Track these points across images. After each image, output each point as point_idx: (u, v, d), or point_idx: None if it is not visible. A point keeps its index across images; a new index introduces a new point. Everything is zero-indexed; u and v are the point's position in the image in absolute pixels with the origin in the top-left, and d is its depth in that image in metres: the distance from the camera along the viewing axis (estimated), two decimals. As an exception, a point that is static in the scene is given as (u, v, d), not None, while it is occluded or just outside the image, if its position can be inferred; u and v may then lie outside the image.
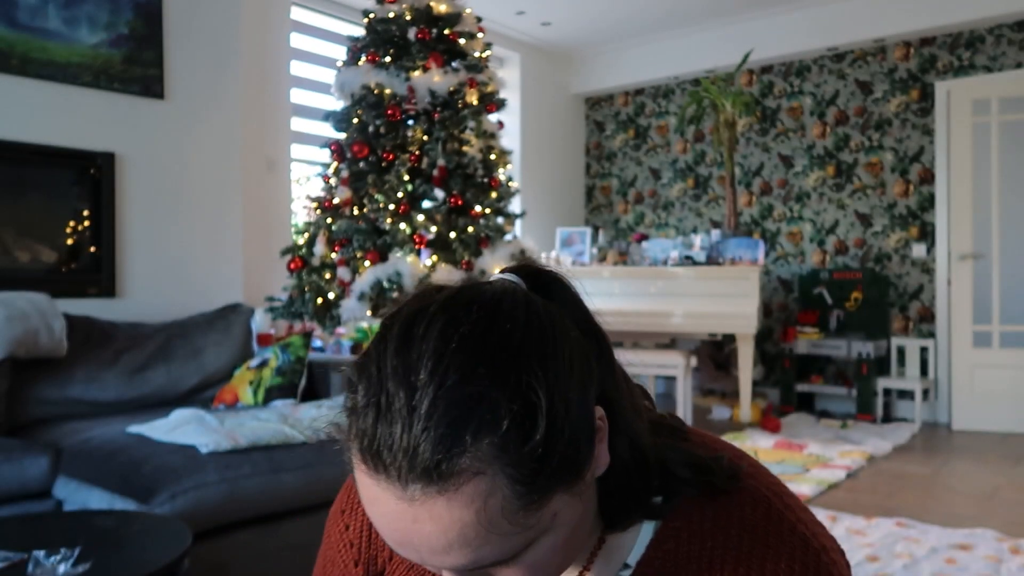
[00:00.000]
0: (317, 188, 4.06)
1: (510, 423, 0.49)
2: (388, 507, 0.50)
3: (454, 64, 3.94)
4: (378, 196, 3.72)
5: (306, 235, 3.94)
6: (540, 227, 6.18)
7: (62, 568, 1.37)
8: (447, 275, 3.62)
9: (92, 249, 3.25)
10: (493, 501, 0.49)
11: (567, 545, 0.56)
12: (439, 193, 3.80)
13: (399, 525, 0.50)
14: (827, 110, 5.73)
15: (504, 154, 4.09)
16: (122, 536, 1.61)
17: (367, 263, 3.66)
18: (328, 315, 3.75)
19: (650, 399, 0.70)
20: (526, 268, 0.61)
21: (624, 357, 0.66)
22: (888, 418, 5.32)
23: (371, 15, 3.98)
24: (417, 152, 3.85)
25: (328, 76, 4.65)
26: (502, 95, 4.12)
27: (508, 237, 3.97)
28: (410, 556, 0.53)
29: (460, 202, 3.78)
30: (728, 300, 4.68)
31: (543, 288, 0.59)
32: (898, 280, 5.43)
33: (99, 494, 2.07)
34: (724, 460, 0.64)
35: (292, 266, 3.86)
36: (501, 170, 4.06)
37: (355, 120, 3.88)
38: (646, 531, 0.64)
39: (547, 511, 0.52)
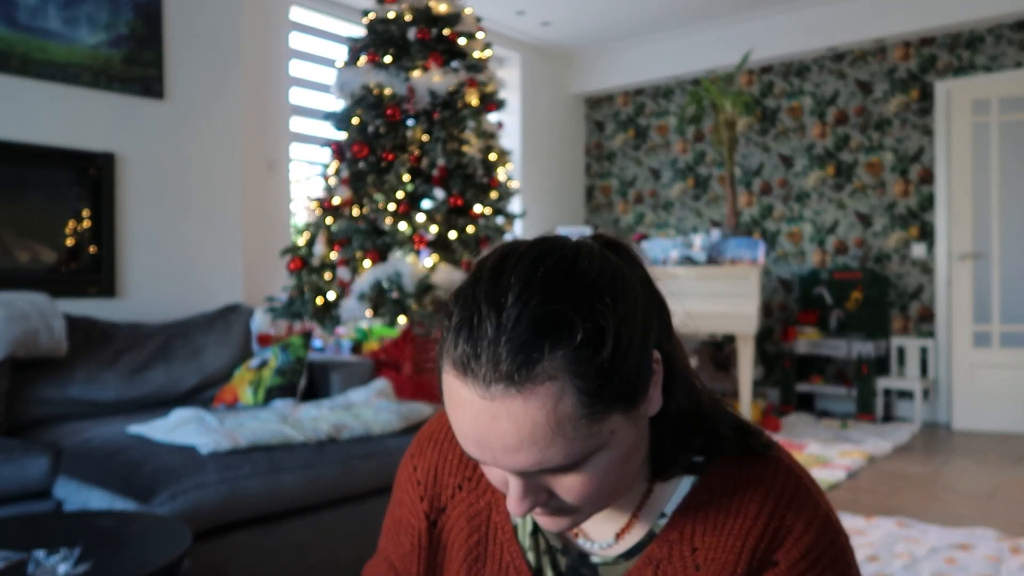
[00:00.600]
0: (317, 188, 4.06)
1: (582, 339, 0.56)
2: (472, 407, 0.58)
3: (454, 64, 3.94)
4: (378, 196, 3.72)
5: (306, 235, 3.94)
6: (540, 227, 6.18)
7: (62, 568, 1.37)
8: (447, 275, 3.62)
9: (92, 249, 3.25)
10: (562, 406, 0.56)
11: (621, 469, 0.62)
12: (439, 193, 3.80)
13: (480, 423, 0.58)
14: (827, 110, 5.73)
15: (504, 154, 4.09)
16: (122, 536, 1.61)
17: (367, 263, 3.66)
18: (328, 315, 3.75)
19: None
20: (600, 235, 0.70)
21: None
22: (888, 418, 5.32)
23: (371, 15, 3.98)
24: (417, 152, 3.85)
25: (328, 76, 4.65)
26: (502, 95, 4.12)
27: (508, 237, 3.97)
28: (485, 457, 0.59)
29: (460, 202, 3.78)
30: (728, 300, 4.68)
31: (614, 250, 0.67)
32: (898, 280, 5.43)
33: (99, 494, 2.07)
34: (764, 433, 0.72)
35: (292, 266, 3.86)
36: (501, 170, 4.05)
37: (355, 120, 3.88)
38: (684, 485, 0.71)
39: (606, 425, 0.59)
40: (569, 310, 0.57)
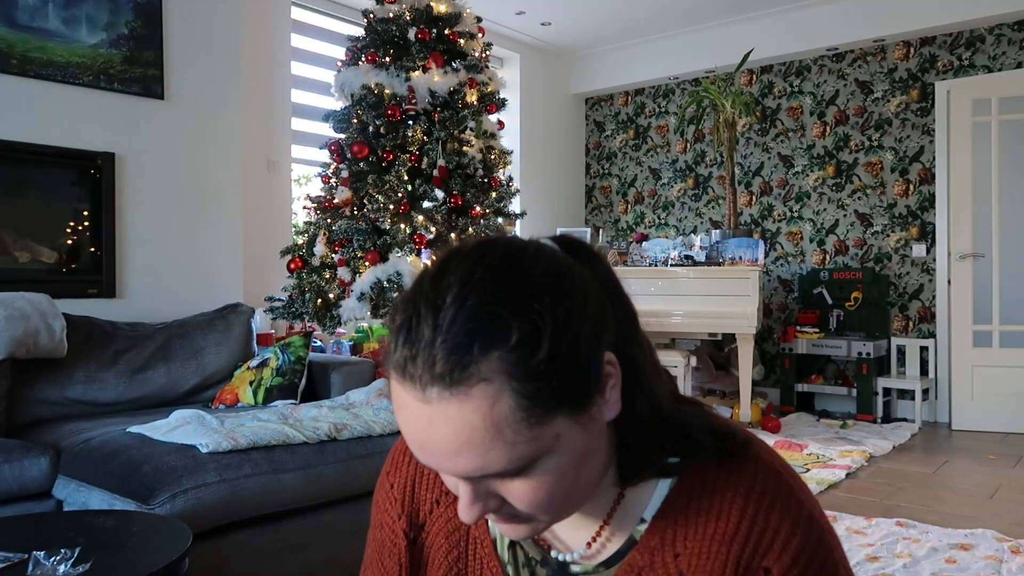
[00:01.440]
0: (317, 188, 4.06)
1: (517, 340, 0.55)
2: (413, 411, 0.57)
3: (454, 64, 3.94)
4: (378, 196, 3.72)
5: (306, 235, 3.94)
6: (540, 227, 6.18)
7: (62, 568, 1.37)
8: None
9: (92, 249, 3.25)
10: (499, 408, 0.55)
11: (574, 475, 0.61)
12: (439, 193, 3.80)
13: (419, 427, 0.57)
14: (827, 110, 5.73)
15: (504, 154, 4.08)
16: (122, 536, 1.61)
17: (367, 263, 3.66)
18: (328, 315, 3.75)
19: (674, 384, 0.74)
20: (560, 236, 0.69)
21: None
22: (888, 418, 5.32)
23: (371, 15, 3.98)
24: (417, 152, 3.84)
25: (328, 76, 4.65)
26: (502, 95, 4.12)
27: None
28: (428, 462, 0.59)
29: (460, 202, 3.78)
30: (728, 300, 4.68)
31: (572, 251, 0.66)
32: (898, 280, 5.43)
33: (99, 494, 2.07)
34: (739, 432, 0.70)
35: (292, 266, 3.86)
36: (501, 170, 4.05)
37: (355, 120, 3.88)
38: (662, 489, 0.69)
39: (549, 429, 0.57)
40: (504, 310, 0.56)
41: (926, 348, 5.27)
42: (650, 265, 5.09)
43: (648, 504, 0.69)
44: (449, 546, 0.77)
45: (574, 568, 0.72)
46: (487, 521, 0.75)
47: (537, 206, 6.23)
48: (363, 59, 3.94)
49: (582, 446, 0.60)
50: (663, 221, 6.50)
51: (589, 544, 0.71)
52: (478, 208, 3.85)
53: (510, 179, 4.13)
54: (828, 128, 5.73)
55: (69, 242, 3.20)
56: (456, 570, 0.76)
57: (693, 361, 4.91)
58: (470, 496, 0.60)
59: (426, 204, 3.89)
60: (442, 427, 0.56)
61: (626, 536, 0.70)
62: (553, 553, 0.72)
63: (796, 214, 5.86)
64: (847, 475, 3.80)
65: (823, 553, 0.66)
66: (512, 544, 0.75)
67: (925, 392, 5.21)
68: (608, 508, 0.70)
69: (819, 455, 4.13)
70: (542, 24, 5.95)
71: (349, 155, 3.84)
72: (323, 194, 3.96)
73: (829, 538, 0.68)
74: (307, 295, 3.75)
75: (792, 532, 0.65)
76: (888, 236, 5.47)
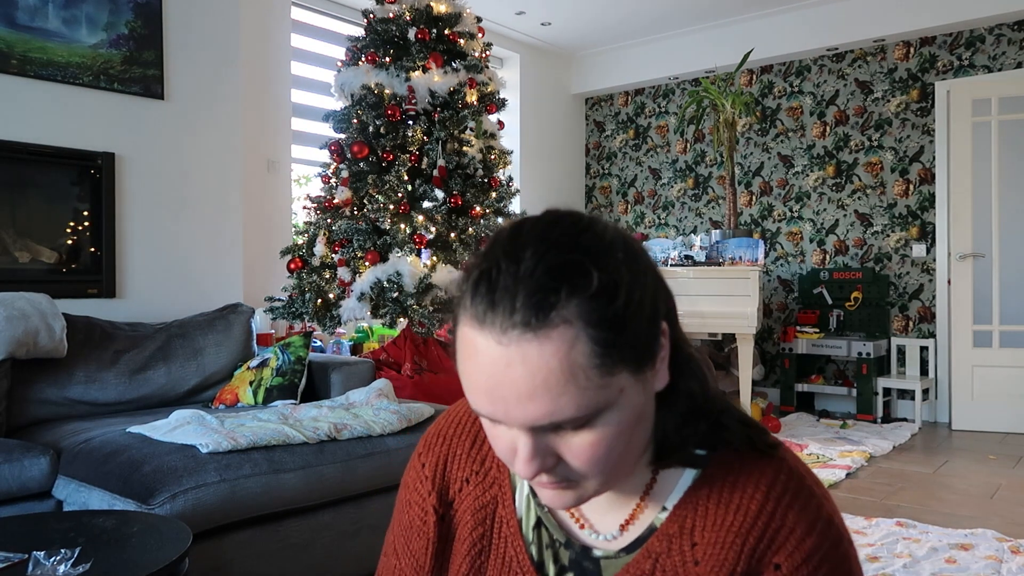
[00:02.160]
0: (317, 188, 4.06)
1: (597, 288, 0.57)
2: (488, 356, 0.58)
3: (454, 64, 3.94)
4: (378, 196, 3.72)
5: (306, 235, 3.94)
6: (540, 227, 6.17)
7: (62, 568, 1.37)
8: (447, 275, 3.62)
9: (92, 249, 3.25)
10: (575, 352, 0.57)
11: (629, 434, 0.62)
12: (439, 193, 3.80)
13: (495, 371, 0.58)
14: (827, 110, 5.73)
15: (504, 154, 4.08)
16: (122, 536, 1.61)
17: (367, 263, 3.66)
18: (328, 315, 3.75)
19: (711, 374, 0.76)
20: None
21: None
22: (888, 418, 5.32)
23: (371, 15, 3.98)
24: (417, 152, 3.84)
25: (328, 76, 4.65)
26: (502, 95, 4.12)
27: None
28: (496, 410, 0.59)
29: (460, 202, 3.78)
30: (728, 300, 4.68)
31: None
32: (898, 280, 5.43)
33: (99, 494, 2.07)
34: (769, 433, 0.72)
35: (292, 266, 3.86)
36: (501, 170, 4.05)
37: (355, 120, 3.88)
38: (687, 478, 0.70)
39: (616, 381, 0.59)
40: (585, 260, 0.58)
41: (926, 348, 5.27)
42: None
43: (671, 492, 0.71)
44: (475, 523, 0.78)
45: (596, 552, 0.73)
46: (513, 500, 0.77)
47: (537, 206, 6.16)
48: (363, 59, 3.94)
49: (640, 405, 0.62)
50: (663, 221, 6.50)
51: (623, 527, 0.72)
52: (478, 208, 3.85)
53: (510, 179, 4.13)
54: (828, 128, 5.73)
55: (69, 242, 3.20)
56: (480, 547, 0.78)
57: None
58: (531, 450, 0.61)
59: (426, 204, 3.89)
60: (519, 369, 0.57)
61: (647, 523, 0.71)
62: (584, 531, 0.74)
63: (796, 214, 5.86)
64: (847, 475, 3.80)
65: (838, 558, 0.66)
66: (537, 525, 0.76)
67: (925, 392, 5.21)
68: (641, 491, 0.71)
69: (819, 455, 4.13)
70: (542, 24, 5.95)
71: (349, 155, 3.84)
72: (323, 194, 3.96)
73: (847, 546, 0.68)
74: (307, 295, 3.75)
75: (808, 532, 0.66)
76: (888, 236, 5.47)
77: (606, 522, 0.73)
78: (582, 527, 0.74)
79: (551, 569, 0.75)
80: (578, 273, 0.58)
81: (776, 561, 0.65)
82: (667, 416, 0.68)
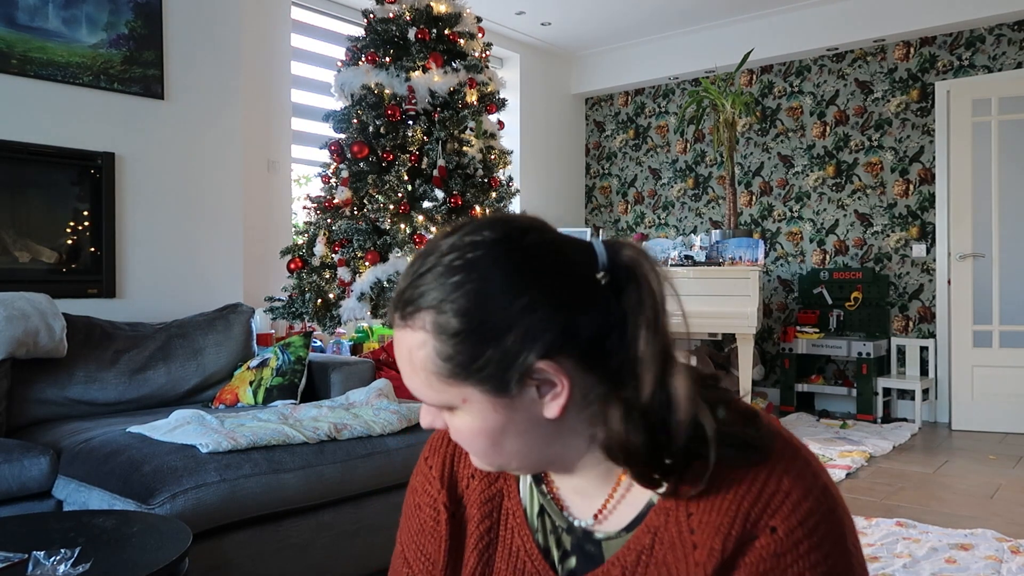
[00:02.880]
0: (317, 188, 4.06)
1: (446, 310, 0.65)
2: (395, 336, 0.70)
3: (454, 64, 3.94)
4: (378, 196, 3.72)
5: (306, 235, 3.93)
6: (540, 227, 6.16)
7: (62, 568, 1.37)
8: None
9: (92, 249, 3.25)
10: (421, 352, 0.67)
11: (489, 440, 0.69)
12: (439, 193, 3.80)
13: (396, 346, 0.70)
14: (827, 110, 5.73)
15: (504, 154, 4.08)
16: (122, 536, 1.61)
17: (367, 263, 3.66)
18: (328, 315, 3.75)
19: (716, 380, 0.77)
20: (614, 241, 0.71)
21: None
22: (888, 418, 5.32)
23: (371, 15, 3.98)
24: (417, 152, 3.84)
25: (328, 76, 4.65)
26: (502, 95, 4.12)
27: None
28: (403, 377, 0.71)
29: (460, 202, 3.78)
30: (728, 300, 4.68)
31: (615, 263, 0.69)
32: (898, 280, 5.43)
33: (99, 494, 2.07)
34: (764, 433, 0.70)
35: (292, 266, 3.86)
36: (501, 170, 4.05)
37: (355, 120, 3.88)
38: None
39: (457, 391, 0.67)
40: (451, 282, 0.66)
41: (926, 348, 5.27)
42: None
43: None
44: (482, 516, 0.82)
45: (597, 535, 0.75)
46: (519, 492, 0.82)
47: (537, 206, 6.23)
48: (363, 59, 3.94)
49: (496, 421, 0.68)
50: (663, 221, 6.50)
51: (596, 516, 0.75)
52: (478, 208, 3.85)
53: (510, 179, 4.13)
54: (828, 128, 5.73)
55: (69, 242, 3.20)
56: (488, 539, 0.81)
57: (693, 361, 4.91)
58: (423, 409, 0.73)
59: (426, 204, 3.88)
60: (401, 347, 0.69)
61: (645, 501, 0.73)
62: (576, 521, 0.77)
63: (796, 214, 5.86)
64: (847, 475, 3.80)
65: (833, 522, 0.67)
66: (541, 512, 0.80)
67: (925, 392, 5.21)
68: (613, 483, 0.74)
69: (819, 455, 4.12)
70: (542, 24, 5.95)
71: (349, 155, 3.83)
72: (323, 194, 3.95)
73: (841, 513, 0.69)
74: (307, 295, 3.75)
75: (803, 497, 0.66)
76: (888, 236, 5.47)
77: (583, 509, 0.77)
78: (571, 518, 0.78)
79: (555, 555, 0.77)
80: (436, 293, 0.66)
81: (772, 524, 0.66)
82: (612, 447, 0.68)
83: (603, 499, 0.74)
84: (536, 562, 0.78)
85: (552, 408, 0.67)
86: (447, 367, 0.66)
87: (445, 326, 0.65)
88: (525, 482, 0.81)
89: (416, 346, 0.67)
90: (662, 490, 0.70)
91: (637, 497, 0.73)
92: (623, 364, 0.66)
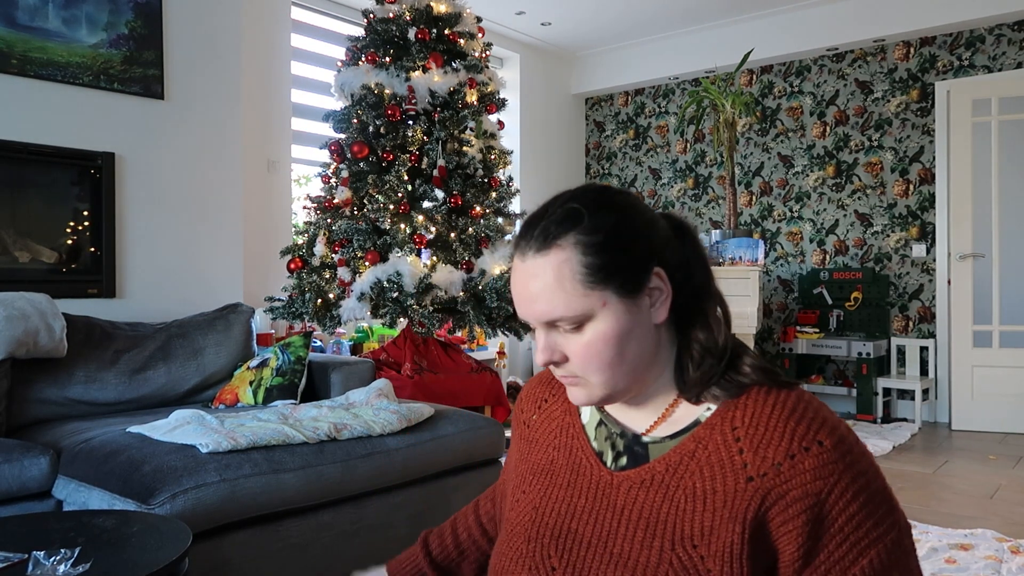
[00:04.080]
0: (317, 188, 4.06)
1: (586, 226, 0.82)
2: (517, 270, 0.85)
3: (454, 64, 3.94)
4: (378, 196, 3.72)
5: (306, 235, 3.93)
6: (540, 227, 6.16)
7: (62, 568, 1.37)
8: (447, 275, 3.62)
9: (92, 249, 3.25)
10: (564, 267, 0.81)
11: (617, 347, 0.82)
12: (439, 193, 3.80)
13: (518, 280, 0.84)
14: (827, 110, 5.73)
15: (504, 154, 4.08)
16: (122, 536, 1.61)
17: (367, 263, 3.66)
18: (328, 315, 3.75)
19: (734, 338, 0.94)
20: (667, 214, 0.94)
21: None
22: (888, 418, 5.32)
23: (371, 15, 3.98)
24: (417, 152, 3.84)
25: (328, 76, 4.65)
26: (502, 95, 4.12)
27: (508, 237, 3.97)
28: (521, 310, 0.85)
29: (460, 202, 3.78)
30: (728, 300, 4.67)
31: (671, 223, 0.92)
32: (898, 280, 5.43)
33: (99, 494, 2.07)
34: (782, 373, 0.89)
35: (292, 266, 3.86)
36: (501, 170, 4.05)
37: (355, 120, 3.88)
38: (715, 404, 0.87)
39: (597, 295, 0.81)
40: (585, 209, 0.83)
41: (926, 348, 5.27)
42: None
43: (703, 411, 0.87)
44: (551, 428, 1.02)
45: (645, 439, 0.90)
46: (579, 410, 1.00)
47: (537, 206, 6.22)
48: (363, 59, 3.94)
49: (626, 322, 0.82)
50: (663, 221, 6.49)
51: (648, 429, 0.90)
52: (478, 208, 3.85)
53: (510, 179, 4.13)
54: (828, 128, 5.73)
55: (69, 242, 3.20)
56: (556, 443, 1.00)
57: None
58: (542, 343, 0.85)
59: (426, 204, 3.88)
60: (531, 279, 0.82)
61: (692, 419, 0.87)
62: (628, 429, 0.92)
63: (796, 214, 5.86)
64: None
65: (861, 445, 0.82)
66: (599, 424, 0.96)
67: (925, 392, 5.21)
68: (667, 405, 0.90)
69: (819, 455, 4.13)
70: (542, 24, 5.95)
71: (349, 155, 3.83)
72: (323, 194, 3.95)
73: (862, 443, 0.84)
74: (307, 295, 3.75)
75: (837, 425, 0.81)
76: (888, 236, 5.47)
77: (636, 422, 0.92)
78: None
79: (609, 456, 0.93)
80: (576, 216, 0.82)
81: (819, 439, 0.79)
82: (683, 355, 0.88)
83: (656, 417, 0.90)
84: (590, 458, 0.94)
85: (661, 312, 0.85)
86: (592, 274, 0.80)
87: (589, 242, 0.81)
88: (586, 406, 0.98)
89: (561, 263, 0.81)
90: (709, 407, 0.86)
91: (684, 415, 0.88)
92: (691, 294, 0.87)
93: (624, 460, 0.91)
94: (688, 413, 0.88)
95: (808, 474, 0.78)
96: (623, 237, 0.82)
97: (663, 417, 0.89)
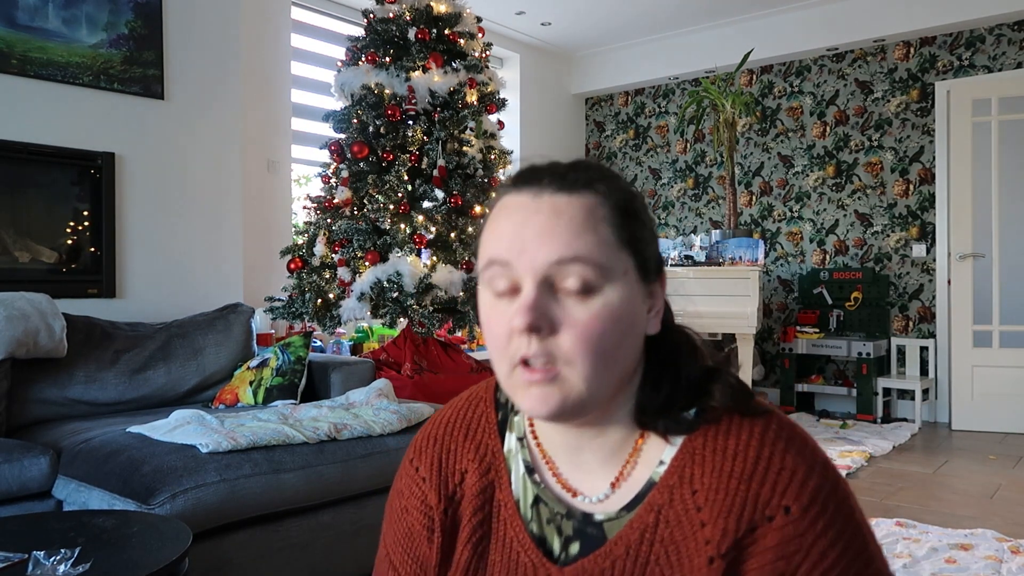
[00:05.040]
0: (317, 188, 4.06)
1: (620, 187, 0.71)
2: (519, 205, 0.69)
3: (454, 64, 3.94)
4: (378, 196, 3.72)
5: (306, 235, 3.93)
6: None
7: (62, 568, 1.37)
8: (447, 275, 3.62)
9: (92, 249, 3.25)
10: (599, 210, 0.68)
11: (620, 331, 0.68)
12: (439, 193, 3.79)
13: (522, 217, 0.68)
14: (827, 110, 5.73)
15: (504, 154, 4.08)
16: (122, 536, 1.61)
17: (367, 263, 3.66)
18: (328, 315, 3.75)
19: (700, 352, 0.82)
20: None
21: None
22: (888, 418, 5.32)
23: (371, 15, 3.98)
24: (417, 152, 3.84)
25: (328, 76, 4.65)
26: (502, 95, 4.12)
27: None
28: (513, 248, 0.67)
29: (460, 202, 3.78)
30: (728, 300, 4.68)
31: None
32: (898, 280, 5.43)
33: (99, 494, 2.07)
34: (755, 397, 0.74)
35: (292, 266, 3.86)
36: (501, 170, 4.05)
37: (355, 120, 3.88)
38: (680, 438, 0.73)
39: (624, 258, 0.68)
40: (617, 180, 0.72)
41: (926, 348, 5.27)
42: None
43: (666, 448, 0.73)
44: (474, 509, 0.80)
45: (598, 517, 0.74)
46: (510, 483, 0.80)
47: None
48: (363, 59, 3.94)
49: (632, 309, 0.69)
50: (663, 221, 6.50)
51: (613, 484, 0.74)
52: (478, 208, 3.85)
53: (510, 179, 4.12)
54: (828, 128, 5.73)
55: (69, 242, 3.20)
56: (480, 532, 0.80)
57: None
58: (533, 299, 0.66)
59: (426, 204, 3.88)
60: (545, 214, 0.67)
61: (646, 479, 0.73)
62: (579, 499, 0.76)
63: (796, 214, 5.86)
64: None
65: (840, 496, 0.69)
66: (535, 502, 0.78)
67: (925, 392, 5.21)
68: (628, 451, 0.74)
69: (819, 455, 4.12)
70: (542, 24, 5.95)
71: (349, 155, 3.83)
72: (323, 194, 3.95)
73: (844, 486, 0.70)
74: (307, 295, 3.75)
75: (808, 475, 0.68)
76: (888, 236, 5.47)
77: (597, 484, 0.75)
78: (575, 496, 0.76)
79: (556, 543, 0.76)
80: (607, 171, 0.72)
81: (785, 504, 0.67)
82: (649, 373, 0.74)
83: (618, 471, 0.75)
84: (529, 552, 0.77)
85: (655, 323, 0.73)
86: (624, 230, 0.69)
87: (623, 199, 0.70)
88: (517, 474, 0.80)
89: (595, 205, 0.68)
90: (662, 461, 0.73)
91: (640, 474, 0.74)
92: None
93: (577, 546, 0.75)
94: (641, 472, 0.74)
95: (770, 552, 0.67)
96: (648, 218, 0.73)
97: (619, 479, 0.75)
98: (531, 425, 0.80)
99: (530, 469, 0.79)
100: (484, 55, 4.11)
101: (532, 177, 0.70)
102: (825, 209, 5.73)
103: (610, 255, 0.67)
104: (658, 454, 0.73)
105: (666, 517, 0.71)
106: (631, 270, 0.69)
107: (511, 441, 0.82)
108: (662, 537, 0.71)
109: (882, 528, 2.94)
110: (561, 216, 0.67)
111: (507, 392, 0.70)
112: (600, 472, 0.75)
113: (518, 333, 0.66)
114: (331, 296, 3.76)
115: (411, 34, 3.86)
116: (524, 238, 0.67)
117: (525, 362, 0.67)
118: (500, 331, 0.68)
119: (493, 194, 3.90)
